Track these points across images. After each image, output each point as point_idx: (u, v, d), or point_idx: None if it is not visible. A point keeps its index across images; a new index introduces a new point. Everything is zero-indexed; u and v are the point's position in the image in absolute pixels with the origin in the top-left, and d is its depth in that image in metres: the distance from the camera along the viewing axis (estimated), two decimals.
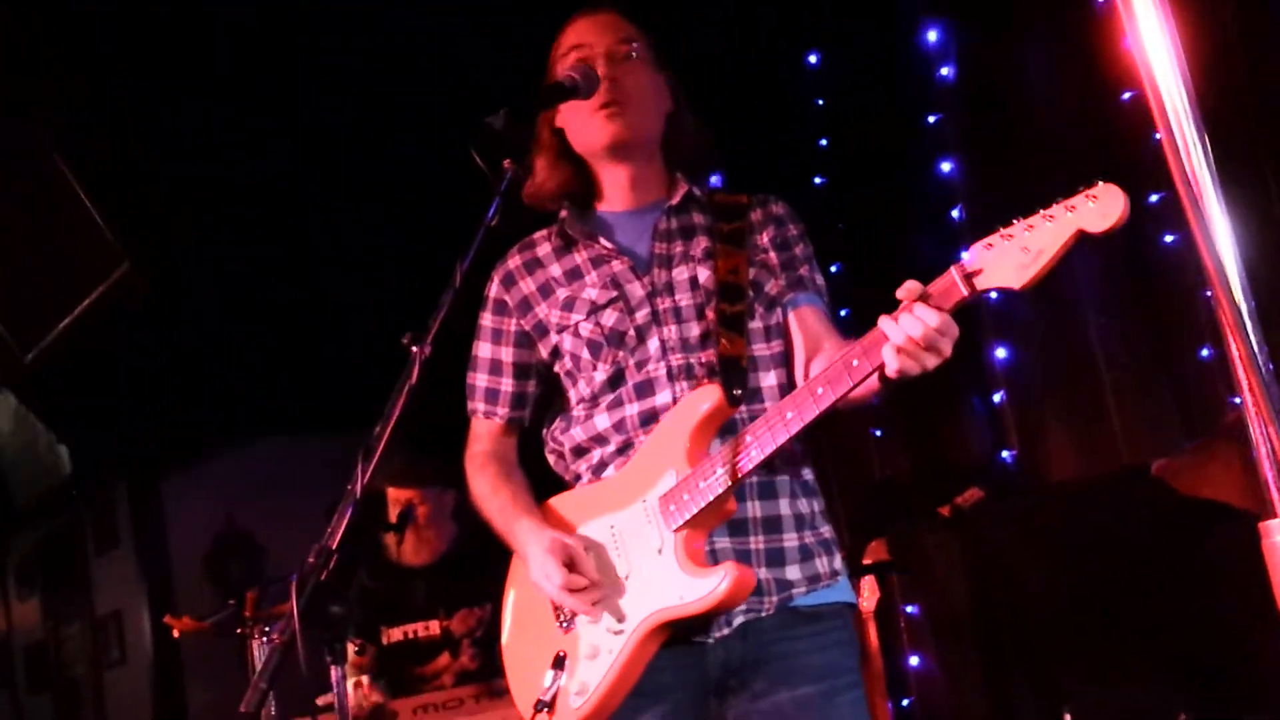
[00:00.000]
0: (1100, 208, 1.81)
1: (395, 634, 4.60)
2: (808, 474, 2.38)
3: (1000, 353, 5.24)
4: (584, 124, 2.43)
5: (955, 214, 5.38)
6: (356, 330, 6.46)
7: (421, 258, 5.42)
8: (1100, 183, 1.83)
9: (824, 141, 5.95)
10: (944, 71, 5.46)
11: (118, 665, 8.69)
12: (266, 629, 3.62)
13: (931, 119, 5.52)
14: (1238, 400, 1.47)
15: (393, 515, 4.66)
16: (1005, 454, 5.27)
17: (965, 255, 1.94)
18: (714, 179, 2.68)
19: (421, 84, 5.24)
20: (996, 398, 5.31)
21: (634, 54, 2.45)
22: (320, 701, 3.86)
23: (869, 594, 4.62)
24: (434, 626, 4.60)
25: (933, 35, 5.51)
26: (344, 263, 6.25)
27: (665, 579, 2.16)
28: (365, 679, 4.29)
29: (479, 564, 4.51)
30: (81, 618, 9.19)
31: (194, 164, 5.39)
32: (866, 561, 4.76)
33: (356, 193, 5.75)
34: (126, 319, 5.81)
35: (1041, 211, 1.88)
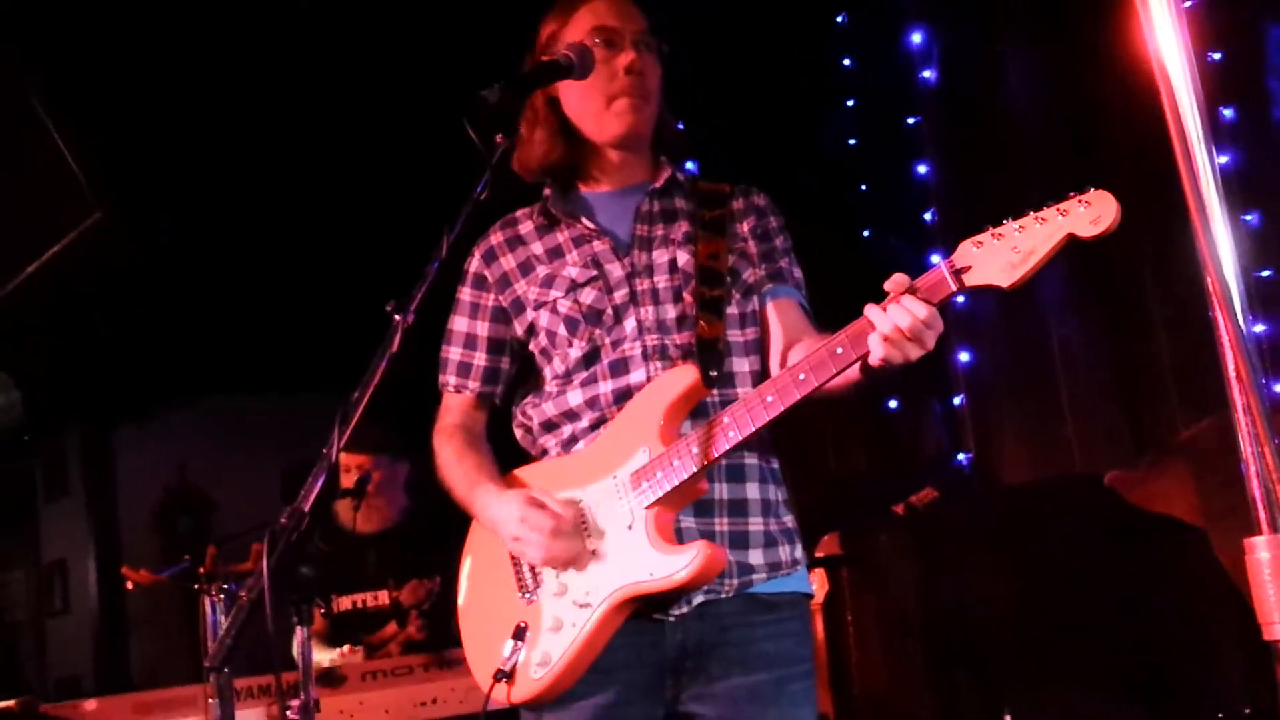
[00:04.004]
0: (1091, 213, 1.86)
1: (344, 602, 4.59)
2: (775, 461, 2.41)
3: (963, 356, 5.31)
4: (597, 110, 2.43)
5: (928, 216, 5.44)
6: (319, 294, 6.44)
7: (389, 225, 5.44)
8: (1092, 189, 1.87)
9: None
10: (926, 74, 5.51)
11: (60, 614, 8.63)
12: (224, 586, 3.61)
13: (910, 121, 5.57)
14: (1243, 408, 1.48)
15: (344, 481, 4.64)
16: (961, 456, 5.35)
17: (955, 252, 1.99)
18: (690, 166, 2.69)
19: (414, 49, 5.23)
20: (956, 400, 5.38)
21: (658, 49, 2.46)
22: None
23: (818, 587, 4.68)
24: (383, 596, 4.59)
25: (917, 38, 5.55)
26: (312, 227, 6.22)
27: (635, 554, 2.18)
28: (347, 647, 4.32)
29: (431, 535, 4.53)
30: (26, 564, 9.12)
31: (172, 118, 5.34)
32: (818, 555, 4.82)
33: (333, 159, 5.72)
34: (92, 268, 5.76)
35: (1033, 213, 1.91)
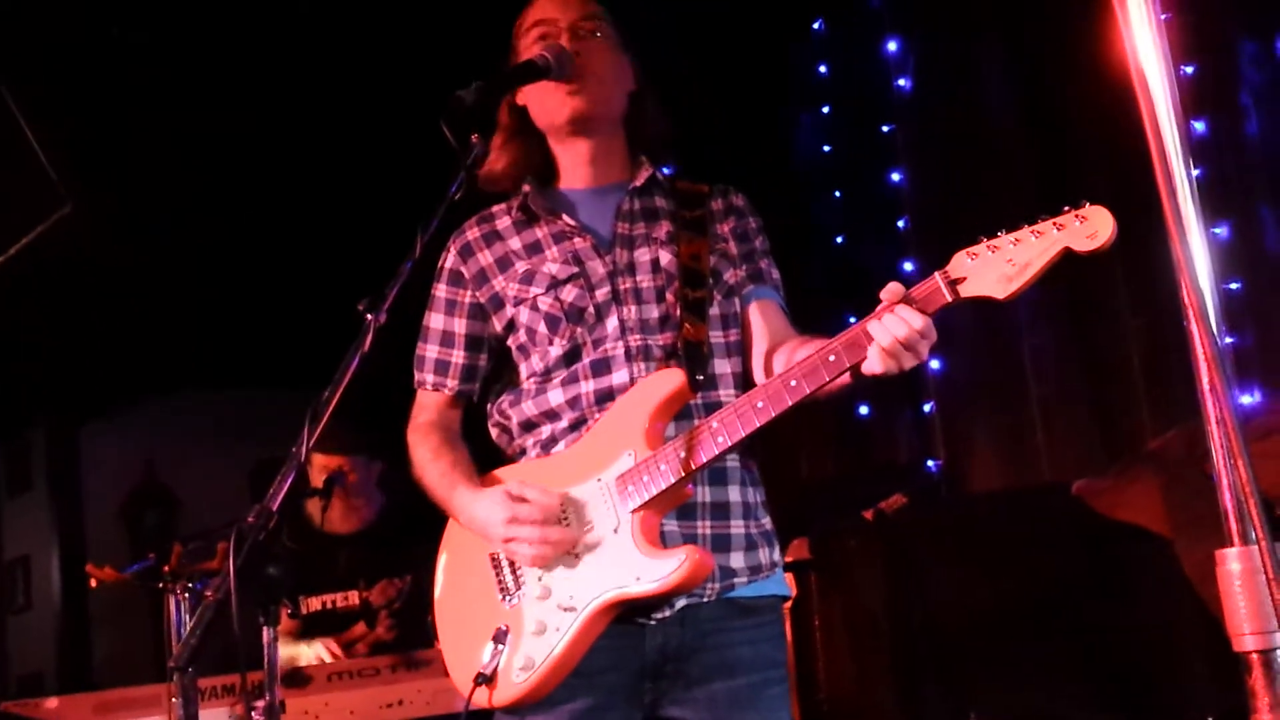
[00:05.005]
0: (1088, 228, 1.86)
1: (314, 603, 4.58)
2: (754, 464, 2.41)
3: (933, 364, 5.32)
4: (547, 100, 2.44)
5: (902, 224, 5.45)
6: (289, 289, 6.41)
7: (361, 221, 5.42)
8: (1088, 203, 1.88)
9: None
10: (901, 82, 5.52)
11: (23, 611, 8.56)
12: (190, 585, 3.57)
13: (885, 128, 5.58)
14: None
15: (317, 481, 4.62)
16: (931, 463, 5.36)
17: (950, 262, 1.99)
18: (665, 169, 2.69)
19: (389, 48, 5.21)
20: (926, 407, 5.40)
21: (598, 32, 2.45)
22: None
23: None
24: (353, 597, 4.58)
25: (893, 46, 5.57)
26: (283, 222, 6.19)
27: (621, 559, 2.17)
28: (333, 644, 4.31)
29: (401, 535, 4.52)
30: None
31: (143, 111, 5.31)
32: (788, 559, 4.82)
33: (305, 155, 5.69)
34: (59, 261, 5.71)
35: (1028, 226, 1.92)
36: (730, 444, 2.13)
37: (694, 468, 2.15)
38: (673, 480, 2.15)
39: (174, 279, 6.49)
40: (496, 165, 2.49)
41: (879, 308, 1.99)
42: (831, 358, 2.04)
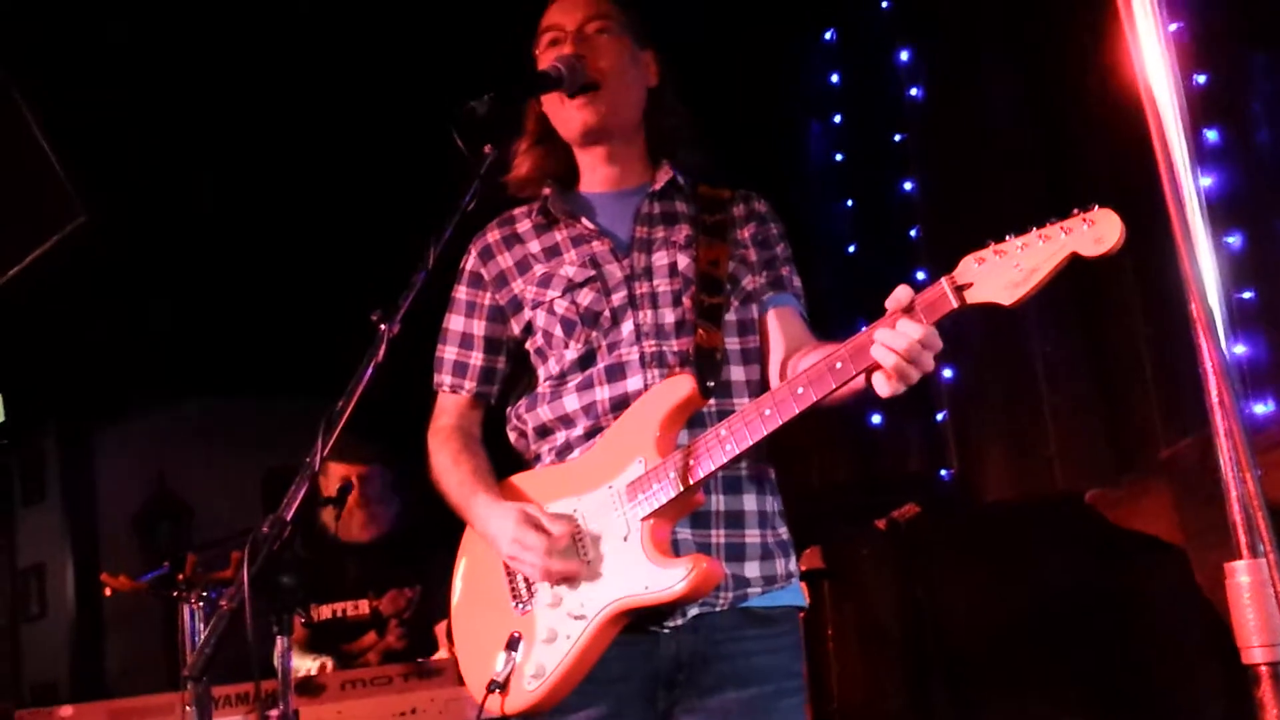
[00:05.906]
0: (1095, 232, 1.82)
1: (324, 611, 4.58)
2: (771, 472, 2.39)
3: (945, 373, 5.32)
4: (559, 114, 2.44)
5: (914, 233, 5.45)
6: (300, 297, 6.43)
7: (371, 229, 5.45)
8: (1096, 206, 1.84)
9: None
10: (913, 92, 5.53)
11: (37, 619, 8.58)
12: (204, 594, 3.59)
13: (897, 137, 5.58)
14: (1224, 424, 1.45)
15: (330, 489, 4.63)
16: (944, 472, 5.36)
17: (956, 268, 1.95)
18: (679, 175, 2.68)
19: (403, 58, 5.23)
20: (939, 416, 5.39)
21: (605, 32, 2.44)
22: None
23: None
24: (363, 606, 4.58)
25: (904, 55, 5.58)
26: (293, 231, 6.21)
27: (631, 567, 2.16)
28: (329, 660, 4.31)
29: (411, 545, 4.52)
30: (2, 569, 9.06)
31: (155, 121, 5.34)
32: (800, 568, 4.81)
33: (317, 164, 5.72)
34: (73, 271, 5.74)
35: (1036, 230, 1.88)
36: (738, 451, 2.11)
37: (702, 476, 2.14)
38: (681, 489, 2.14)
39: (186, 289, 6.51)
40: (521, 169, 2.49)
41: (885, 315, 1.97)
42: (838, 365, 2.01)
